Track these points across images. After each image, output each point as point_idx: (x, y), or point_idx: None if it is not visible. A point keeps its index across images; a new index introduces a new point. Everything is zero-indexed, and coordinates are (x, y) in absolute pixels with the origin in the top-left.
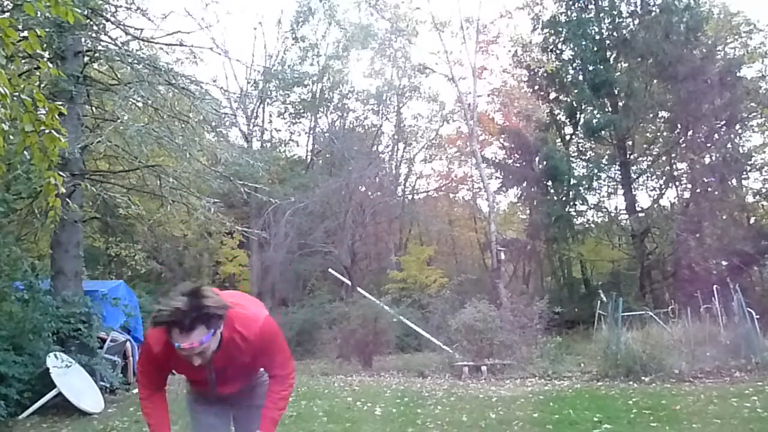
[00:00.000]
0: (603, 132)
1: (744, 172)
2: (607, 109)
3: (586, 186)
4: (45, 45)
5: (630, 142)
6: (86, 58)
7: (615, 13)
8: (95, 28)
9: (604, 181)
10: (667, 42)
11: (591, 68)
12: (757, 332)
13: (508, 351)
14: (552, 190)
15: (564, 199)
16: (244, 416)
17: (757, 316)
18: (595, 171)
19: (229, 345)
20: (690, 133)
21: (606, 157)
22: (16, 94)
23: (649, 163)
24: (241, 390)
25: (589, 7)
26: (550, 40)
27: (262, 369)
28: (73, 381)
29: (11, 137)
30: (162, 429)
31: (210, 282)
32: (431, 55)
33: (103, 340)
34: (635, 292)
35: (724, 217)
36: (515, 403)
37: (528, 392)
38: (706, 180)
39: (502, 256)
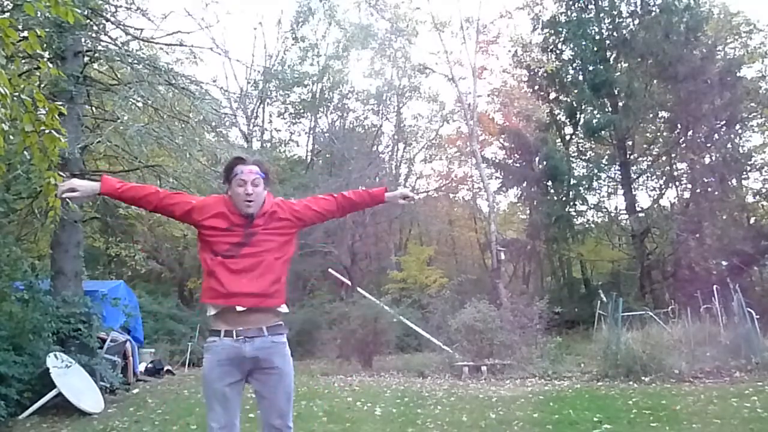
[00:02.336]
0: (603, 132)
1: (744, 172)
2: (607, 109)
3: (586, 186)
4: (45, 45)
5: (630, 142)
6: (86, 58)
7: (615, 13)
8: (95, 28)
9: (604, 181)
10: (667, 42)
11: (591, 68)
12: (757, 332)
13: (508, 351)
14: (552, 190)
15: (564, 199)
16: (265, 387)
17: (757, 316)
18: (595, 171)
19: (272, 206)
20: (690, 133)
21: (606, 157)
22: (16, 94)
23: (649, 163)
24: (259, 294)
25: (589, 7)
26: (550, 40)
27: (280, 309)
28: (73, 381)
29: (11, 137)
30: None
31: None
32: (431, 55)
33: (103, 340)
34: (635, 292)
35: (724, 217)
36: (515, 403)
37: (528, 392)
38: (706, 180)
39: (502, 256)
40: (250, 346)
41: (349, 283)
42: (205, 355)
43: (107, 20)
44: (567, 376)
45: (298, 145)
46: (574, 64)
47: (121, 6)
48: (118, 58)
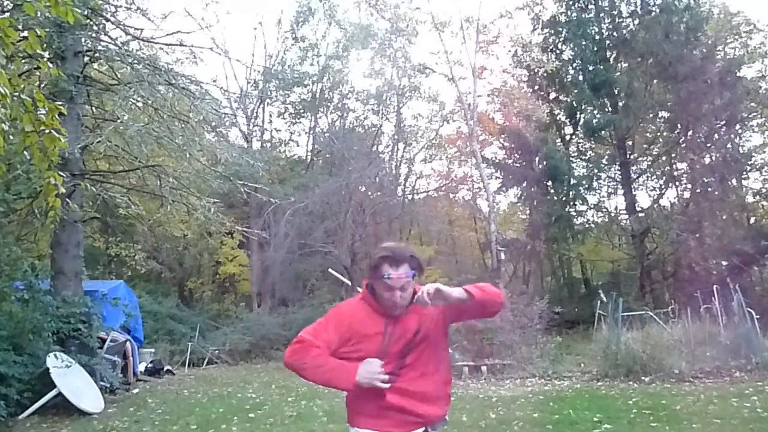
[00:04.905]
0: (603, 132)
1: (744, 172)
2: (607, 109)
3: (586, 186)
4: (45, 45)
5: (630, 142)
6: (86, 58)
7: (615, 13)
8: (95, 28)
9: (604, 181)
10: (667, 42)
11: (591, 68)
12: (757, 332)
13: (508, 351)
14: (552, 190)
15: (564, 199)
16: None
17: (757, 316)
18: (595, 171)
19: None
20: (690, 133)
21: (606, 157)
22: (16, 94)
23: (649, 163)
24: (434, 390)
25: (589, 7)
26: (550, 40)
27: None
28: (73, 381)
29: (11, 137)
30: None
31: (210, 282)
32: (431, 55)
33: (103, 340)
34: (635, 292)
35: (724, 217)
36: (515, 403)
37: (528, 392)
38: (706, 180)
39: (502, 256)
40: None
41: (349, 283)
42: None
43: (107, 20)
44: (567, 376)
45: (298, 145)
46: (574, 64)
47: (121, 6)
48: (118, 58)
